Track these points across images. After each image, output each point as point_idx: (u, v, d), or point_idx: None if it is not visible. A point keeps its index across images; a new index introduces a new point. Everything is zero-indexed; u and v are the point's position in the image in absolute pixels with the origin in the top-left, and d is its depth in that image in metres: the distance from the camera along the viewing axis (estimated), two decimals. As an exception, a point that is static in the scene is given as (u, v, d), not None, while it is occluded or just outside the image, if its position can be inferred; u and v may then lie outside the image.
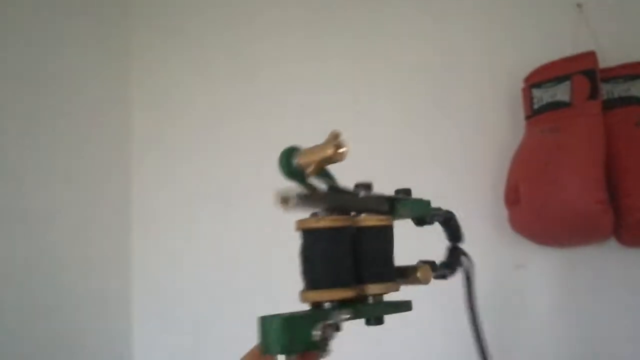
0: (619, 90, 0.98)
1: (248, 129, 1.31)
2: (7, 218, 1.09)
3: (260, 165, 1.28)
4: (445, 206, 0.43)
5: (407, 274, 0.35)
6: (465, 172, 1.11)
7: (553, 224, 0.97)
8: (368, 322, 0.32)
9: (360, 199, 0.32)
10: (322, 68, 1.25)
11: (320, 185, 0.32)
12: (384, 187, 0.38)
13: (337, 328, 0.29)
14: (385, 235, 0.33)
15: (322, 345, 0.28)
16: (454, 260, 0.42)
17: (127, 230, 1.40)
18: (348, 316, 0.29)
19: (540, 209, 0.97)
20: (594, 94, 0.95)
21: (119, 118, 1.39)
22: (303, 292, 0.31)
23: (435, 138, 1.15)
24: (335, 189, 0.32)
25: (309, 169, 0.31)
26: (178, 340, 1.31)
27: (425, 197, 0.42)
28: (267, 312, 0.30)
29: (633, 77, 0.97)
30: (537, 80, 1.01)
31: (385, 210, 0.34)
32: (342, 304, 0.31)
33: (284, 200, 0.29)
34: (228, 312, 1.23)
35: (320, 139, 0.31)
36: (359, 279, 0.32)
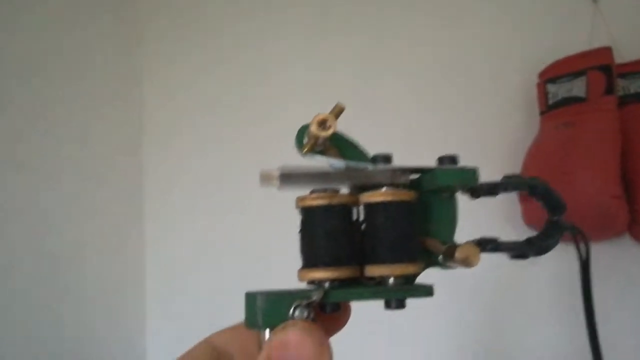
0: (635, 85, 0.98)
1: (263, 119, 1.31)
2: (21, 212, 1.10)
3: (275, 157, 1.29)
4: (459, 200, 0.37)
5: (449, 256, 0.31)
6: (479, 166, 1.11)
7: (567, 219, 0.97)
8: (387, 306, 0.31)
9: (367, 173, 0.31)
10: (333, 65, 1.26)
11: (330, 161, 0.31)
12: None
13: (309, 309, 0.29)
14: (398, 211, 0.30)
15: None
16: (546, 238, 0.34)
17: (140, 222, 1.41)
18: (317, 297, 0.29)
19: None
20: (609, 89, 0.95)
21: (131, 111, 1.41)
22: (300, 270, 0.31)
23: (448, 133, 1.15)
24: (338, 165, 0.31)
25: (304, 147, 0.31)
26: (192, 332, 1.32)
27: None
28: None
29: (649, 73, 0.97)
30: (552, 75, 1.01)
31: (403, 184, 0.31)
32: (342, 284, 0.30)
33: (265, 179, 0.29)
34: (243, 304, 1.24)
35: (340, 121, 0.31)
36: (367, 259, 0.31)
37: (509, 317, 1.10)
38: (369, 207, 0.31)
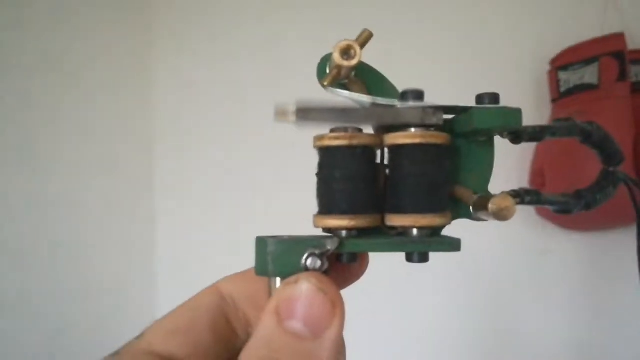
0: (647, 72, 0.97)
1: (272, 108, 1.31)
2: (31, 207, 1.10)
3: (286, 147, 1.29)
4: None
5: (481, 207, 0.27)
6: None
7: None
8: (409, 259, 0.28)
9: (394, 111, 0.27)
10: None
11: (355, 96, 0.28)
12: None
13: (322, 258, 0.26)
14: (428, 156, 0.27)
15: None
16: (599, 189, 0.31)
17: (152, 215, 1.41)
18: (331, 247, 0.26)
19: (567, 189, 0.96)
20: (622, 76, 0.94)
21: (141, 105, 1.41)
22: (315, 216, 0.28)
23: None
24: (360, 102, 0.28)
25: (325, 79, 0.28)
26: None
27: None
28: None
29: (662, 59, 0.95)
30: (563, 62, 1.00)
31: (434, 124, 0.27)
32: (361, 233, 0.28)
33: (281, 114, 0.26)
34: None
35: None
36: (390, 208, 0.28)
37: (518, 302, 1.09)
38: (395, 149, 0.28)
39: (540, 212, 1.01)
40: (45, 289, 1.11)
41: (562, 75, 1.00)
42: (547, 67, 1.03)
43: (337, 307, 0.25)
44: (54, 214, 1.15)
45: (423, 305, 1.13)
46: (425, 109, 0.27)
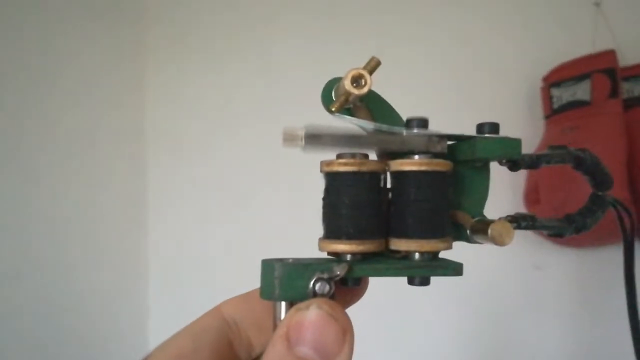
0: (639, 88, 0.97)
1: (265, 118, 1.31)
2: (23, 215, 1.09)
3: (278, 157, 1.29)
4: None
5: (480, 232, 0.28)
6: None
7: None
8: (410, 282, 0.28)
9: (400, 138, 0.28)
10: (342, 53, 1.25)
11: (362, 123, 0.28)
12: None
13: (330, 283, 0.26)
14: (433, 183, 0.28)
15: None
16: (589, 214, 0.32)
17: (144, 226, 1.40)
18: (340, 272, 0.26)
19: (560, 208, 0.96)
20: (614, 92, 0.95)
21: (133, 114, 1.40)
22: (321, 240, 0.29)
23: (452, 138, 1.14)
24: (370, 128, 0.28)
25: (334, 105, 0.28)
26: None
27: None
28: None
29: (653, 76, 0.96)
30: (556, 79, 1.01)
31: (439, 152, 0.28)
32: (365, 258, 0.28)
33: (290, 139, 0.26)
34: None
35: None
36: (394, 232, 0.29)
37: (513, 316, 1.09)
38: (400, 175, 0.29)
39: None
40: (35, 303, 1.10)
41: (555, 92, 1.01)
42: (540, 84, 1.04)
43: (347, 334, 0.25)
44: (44, 225, 1.14)
45: (417, 321, 1.13)
46: (430, 137, 0.28)
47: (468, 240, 0.30)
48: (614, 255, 1.00)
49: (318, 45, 1.28)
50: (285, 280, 0.26)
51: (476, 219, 0.30)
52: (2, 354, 1.03)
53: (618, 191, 0.91)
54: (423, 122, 0.29)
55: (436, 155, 0.28)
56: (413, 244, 0.28)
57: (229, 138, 1.35)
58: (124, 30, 1.40)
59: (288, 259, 0.28)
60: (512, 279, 1.07)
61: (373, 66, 0.28)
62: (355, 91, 0.27)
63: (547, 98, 1.02)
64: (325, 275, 0.26)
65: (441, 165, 0.28)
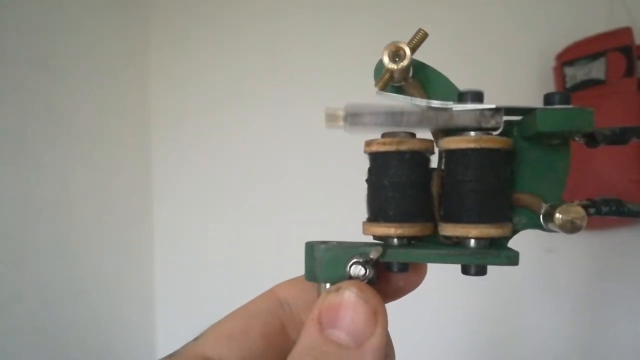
0: (655, 67, 0.95)
1: (273, 111, 1.30)
2: (31, 203, 1.10)
3: (284, 145, 1.28)
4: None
5: (549, 216, 0.26)
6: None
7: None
8: (465, 271, 0.26)
9: (448, 115, 0.26)
10: (346, 44, 1.23)
11: (408, 100, 0.27)
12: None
13: (367, 266, 0.26)
14: (487, 162, 0.26)
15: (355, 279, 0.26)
16: None
17: (150, 213, 1.41)
18: (374, 255, 0.26)
19: (572, 188, 0.94)
20: (629, 71, 0.92)
21: (139, 105, 1.40)
22: (365, 223, 0.28)
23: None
24: (414, 104, 0.26)
25: (376, 83, 0.27)
26: (202, 327, 1.32)
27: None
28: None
29: (669, 54, 0.94)
30: (570, 57, 0.99)
31: (493, 127, 0.26)
32: (411, 241, 0.27)
33: (331, 119, 0.25)
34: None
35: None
36: (446, 216, 0.27)
37: (523, 300, 1.08)
38: (450, 154, 0.27)
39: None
40: (39, 289, 1.11)
41: (568, 71, 0.98)
42: (553, 63, 1.02)
43: (379, 315, 0.24)
44: (50, 216, 1.14)
45: (425, 305, 1.12)
46: (482, 111, 0.26)
47: (541, 227, 0.28)
48: (626, 238, 0.99)
49: (325, 34, 1.26)
50: (325, 263, 0.26)
51: (550, 204, 0.26)
52: (8, 338, 1.04)
53: (632, 171, 0.89)
54: (477, 95, 0.26)
55: (491, 131, 0.26)
56: (464, 229, 0.26)
57: (235, 127, 1.34)
58: (131, 20, 1.39)
59: (332, 241, 0.27)
60: (523, 262, 1.06)
61: (419, 39, 0.26)
62: (394, 66, 0.26)
63: (560, 77, 1.00)
64: (361, 259, 0.26)
65: (494, 141, 0.26)
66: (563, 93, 0.25)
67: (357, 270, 0.26)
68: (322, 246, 0.27)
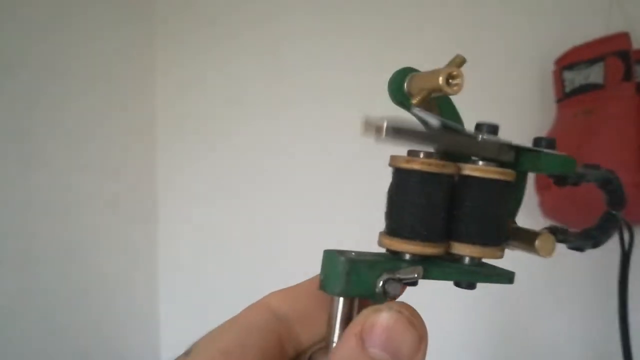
0: (653, 71, 0.96)
1: (278, 109, 1.30)
2: (31, 206, 1.10)
3: (288, 146, 1.29)
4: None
5: (523, 240, 0.30)
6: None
7: (585, 208, 0.95)
8: (458, 284, 0.28)
9: (474, 142, 0.27)
10: (347, 45, 1.24)
11: (430, 119, 0.28)
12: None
13: (402, 284, 0.26)
14: (494, 190, 0.28)
15: (379, 299, 0.26)
16: (604, 230, 0.34)
17: (154, 213, 1.41)
18: (418, 275, 0.26)
19: (572, 193, 0.95)
20: (628, 75, 0.93)
21: (143, 105, 1.40)
22: (382, 234, 0.28)
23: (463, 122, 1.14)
24: (444, 127, 0.27)
25: (414, 99, 0.27)
26: (207, 326, 1.33)
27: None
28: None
29: (667, 59, 0.95)
30: (568, 62, 1.00)
31: (507, 161, 0.29)
32: (423, 260, 0.28)
33: (370, 129, 0.25)
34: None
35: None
36: (452, 236, 0.28)
37: (532, 303, 1.09)
38: (470, 180, 0.28)
39: (548, 214, 1.01)
40: (43, 290, 1.11)
41: (567, 75, 0.99)
42: (552, 67, 1.03)
43: (423, 342, 0.24)
44: (54, 217, 1.14)
45: (429, 303, 1.13)
46: (502, 145, 0.28)
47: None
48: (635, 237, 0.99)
49: (331, 36, 1.27)
50: (350, 276, 0.26)
51: (514, 226, 0.31)
52: (12, 340, 1.05)
53: (632, 175, 0.90)
54: (493, 129, 0.28)
55: (503, 164, 0.29)
56: (474, 249, 0.28)
57: (239, 128, 1.35)
58: (136, 18, 1.40)
59: (350, 252, 0.27)
60: (530, 265, 1.07)
61: (458, 64, 0.28)
62: (449, 90, 0.27)
63: (559, 81, 1.01)
64: (397, 276, 0.26)
65: (511, 175, 0.29)
66: (549, 139, 0.30)
67: (395, 288, 0.26)
68: (348, 258, 0.26)
